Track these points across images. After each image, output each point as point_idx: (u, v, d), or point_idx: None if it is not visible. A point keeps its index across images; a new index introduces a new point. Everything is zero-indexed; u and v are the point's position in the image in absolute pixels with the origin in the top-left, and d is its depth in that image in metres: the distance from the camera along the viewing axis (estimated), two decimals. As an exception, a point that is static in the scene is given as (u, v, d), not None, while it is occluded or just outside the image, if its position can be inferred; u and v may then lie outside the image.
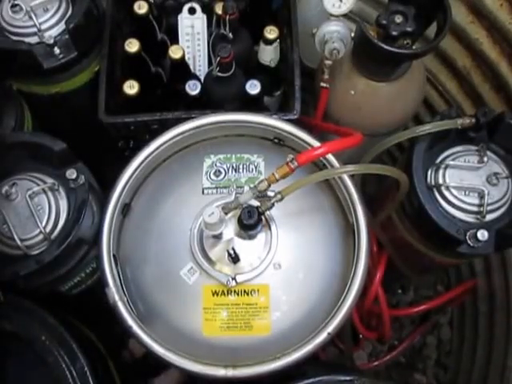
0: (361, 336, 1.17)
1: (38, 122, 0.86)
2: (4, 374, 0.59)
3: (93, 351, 0.61)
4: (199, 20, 0.95)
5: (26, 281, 0.64)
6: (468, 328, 1.16)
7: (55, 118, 0.88)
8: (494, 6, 0.79)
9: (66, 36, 0.74)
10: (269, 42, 0.80)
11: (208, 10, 0.94)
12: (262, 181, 0.62)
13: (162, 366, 1.02)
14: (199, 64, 0.94)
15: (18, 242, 0.64)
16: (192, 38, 0.95)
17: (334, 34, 0.71)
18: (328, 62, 0.76)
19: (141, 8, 0.80)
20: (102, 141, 0.86)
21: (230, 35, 0.82)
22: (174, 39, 0.93)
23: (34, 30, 0.74)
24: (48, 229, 0.66)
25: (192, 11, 0.94)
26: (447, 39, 0.89)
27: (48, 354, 0.57)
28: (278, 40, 0.80)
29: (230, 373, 0.60)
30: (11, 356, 0.60)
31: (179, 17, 0.94)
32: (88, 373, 0.57)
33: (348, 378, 0.63)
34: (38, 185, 0.68)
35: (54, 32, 0.75)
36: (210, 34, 0.93)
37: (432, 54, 0.93)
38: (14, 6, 0.73)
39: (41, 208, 0.67)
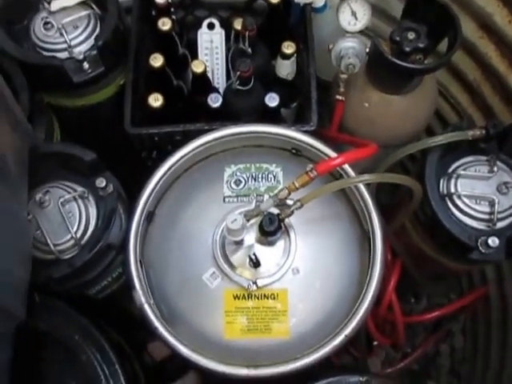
0: (375, 343, 1.19)
1: (65, 133, 0.90)
2: (39, 372, 0.62)
3: (121, 351, 0.64)
4: (218, 35, 0.99)
5: (57, 284, 0.67)
6: (481, 336, 1.17)
7: (81, 129, 0.91)
8: (502, 22, 0.81)
9: (95, 52, 0.78)
10: (286, 57, 0.83)
11: (226, 25, 0.98)
12: (282, 189, 0.65)
13: (179, 372, 1.05)
14: (217, 77, 0.98)
15: (51, 247, 0.67)
16: (211, 52, 0.99)
17: (350, 50, 0.74)
18: (343, 76, 0.79)
19: (165, 25, 0.83)
20: (125, 151, 0.90)
21: (249, 50, 0.85)
22: (194, 53, 0.97)
23: (65, 46, 0.78)
24: (78, 234, 0.70)
25: (211, 26, 0.98)
26: (458, 53, 0.91)
27: (81, 353, 0.60)
28: (295, 55, 0.84)
29: (252, 372, 0.63)
30: (46, 355, 0.63)
31: (199, 32, 0.98)
32: (119, 371, 0.60)
33: (363, 379, 0.65)
34: (69, 193, 0.71)
35: (83, 48, 0.79)
36: (227, 48, 0.97)
37: (444, 68, 0.96)
38: (46, 23, 0.78)
39: (72, 215, 0.70)
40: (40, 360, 0.62)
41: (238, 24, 0.90)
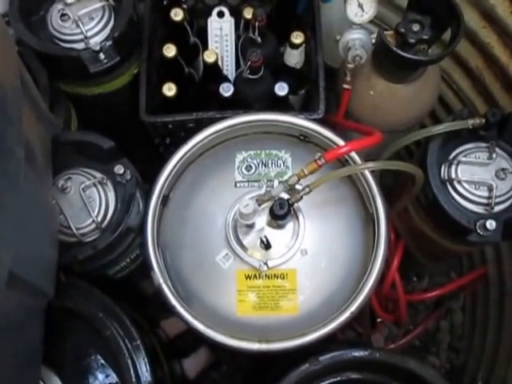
0: (378, 320, 1.23)
1: (81, 121, 0.93)
2: (66, 347, 0.66)
3: (140, 327, 0.68)
4: (227, 23, 1.00)
5: (79, 265, 0.71)
6: (479, 313, 1.21)
7: (96, 116, 0.94)
8: (504, 13, 0.83)
9: (110, 42, 0.80)
10: (295, 47, 0.85)
11: (236, 13, 1.00)
12: (292, 176, 0.68)
13: (190, 348, 1.10)
14: (227, 64, 1.00)
15: (74, 230, 0.70)
16: (220, 40, 1.01)
17: (357, 42, 0.77)
18: (350, 66, 0.81)
19: (177, 15, 0.85)
20: (138, 137, 0.93)
21: (259, 39, 0.87)
22: (204, 41, 0.99)
23: (81, 37, 0.80)
24: (99, 218, 0.73)
25: (221, 14, 1.00)
26: (461, 42, 0.91)
27: (105, 329, 0.63)
28: (304, 44, 0.86)
29: (263, 347, 0.67)
30: (72, 330, 0.67)
31: (209, 20, 0.99)
32: (141, 346, 0.64)
33: (367, 352, 0.69)
34: (89, 179, 0.74)
35: (99, 38, 0.81)
36: (237, 36, 0.99)
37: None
38: (63, 15, 0.80)
39: (92, 200, 0.73)
40: (68, 336, 0.66)
41: (247, 13, 0.93)
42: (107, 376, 0.65)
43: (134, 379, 0.62)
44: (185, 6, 0.95)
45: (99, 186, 0.74)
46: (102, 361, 0.65)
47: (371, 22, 0.84)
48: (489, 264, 1.14)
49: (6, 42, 0.50)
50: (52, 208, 0.65)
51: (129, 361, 0.62)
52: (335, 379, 0.71)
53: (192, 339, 1.06)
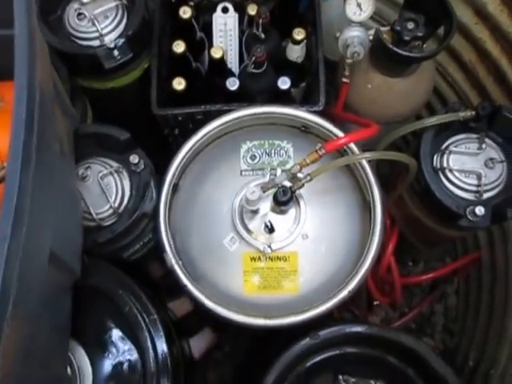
0: (375, 303, 1.29)
1: (94, 113, 0.99)
2: (89, 321, 0.72)
3: (155, 304, 0.74)
4: (231, 18, 1.04)
5: (99, 248, 0.76)
6: (472, 296, 1.24)
7: (109, 109, 0.99)
8: (495, 11, 0.87)
9: (123, 39, 0.85)
10: (297, 43, 0.88)
11: (240, 8, 1.04)
12: (294, 165, 0.72)
13: (195, 328, 1.15)
14: (231, 57, 1.04)
15: (94, 215, 0.76)
16: (225, 35, 1.04)
17: (355, 39, 0.81)
18: (349, 61, 0.86)
19: (185, 13, 0.89)
20: (147, 128, 0.98)
21: (262, 35, 0.92)
22: (209, 35, 1.04)
23: (97, 34, 0.84)
24: (116, 204, 0.78)
25: (225, 10, 1.03)
26: (456, 37, 0.96)
27: (124, 305, 0.69)
28: (305, 40, 0.91)
29: (268, 322, 0.72)
30: (95, 307, 0.73)
31: (213, 16, 1.03)
32: (157, 320, 0.70)
33: (364, 328, 0.75)
34: (106, 168, 0.79)
35: (113, 36, 0.85)
36: (241, 31, 1.04)
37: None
38: (79, 14, 0.84)
39: (109, 187, 0.78)
40: (90, 311, 0.72)
41: (251, 9, 0.96)
42: (127, 348, 0.71)
43: (151, 350, 0.68)
44: (192, 4, 0.99)
45: (115, 175, 0.79)
46: (122, 334, 0.71)
47: (370, 17, 0.89)
48: (482, 249, 1.18)
49: (44, 53, 0.55)
50: (78, 194, 0.70)
51: (146, 334, 0.69)
52: (334, 353, 0.77)
53: (196, 321, 1.11)
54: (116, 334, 0.72)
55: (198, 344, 1.09)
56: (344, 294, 0.74)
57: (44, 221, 0.46)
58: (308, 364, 0.78)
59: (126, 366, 0.71)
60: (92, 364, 0.71)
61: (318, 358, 0.78)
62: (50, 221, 0.47)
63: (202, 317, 1.10)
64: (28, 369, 0.48)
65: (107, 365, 0.71)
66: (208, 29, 1.03)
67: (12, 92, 0.66)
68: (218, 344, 1.16)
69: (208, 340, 1.11)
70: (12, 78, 0.68)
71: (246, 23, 1.01)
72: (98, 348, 0.71)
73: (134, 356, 0.71)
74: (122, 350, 0.71)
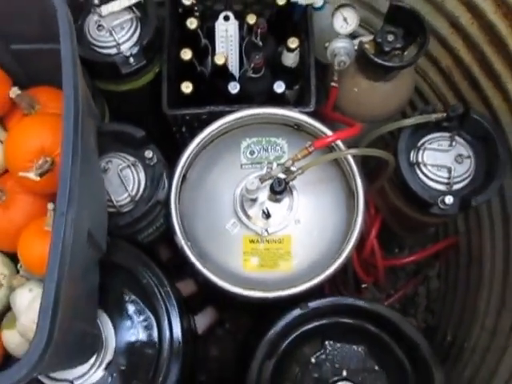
0: (363, 286, 1.39)
1: (111, 113, 1.09)
2: (112, 292, 0.83)
3: (168, 278, 0.86)
4: (232, 25, 1.12)
5: (118, 231, 0.87)
6: (451, 278, 1.35)
7: (124, 109, 1.08)
8: (467, 23, 0.97)
9: (137, 47, 0.94)
10: (291, 50, 0.96)
11: (240, 17, 1.14)
12: (288, 160, 0.82)
13: (199, 307, 1.24)
14: (232, 60, 1.14)
15: (114, 202, 0.86)
16: (226, 40, 1.13)
17: (342, 50, 0.90)
18: (337, 68, 0.97)
19: (192, 24, 0.99)
20: (160, 126, 1.07)
21: (260, 43, 1.02)
22: (212, 41, 1.14)
23: (114, 43, 0.94)
24: (133, 193, 0.87)
25: (226, 18, 1.13)
26: (434, 45, 1.07)
27: (143, 279, 0.80)
28: (299, 48, 1.01)
29: (266, 294, 0.82)
30: (117, 280, 0.83)
31: (216, 23, 1.12)
32: (170, 292, 0.81)
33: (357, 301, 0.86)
34: (125, 162, 0.88)
35: (129, 45, 0.95)
36: (241, 37, 1.12)
37: (422, 57, 1.13)
38: (99, 26, 0.94)
39: (127, 179, 0.87)
40: (113, 283, 0.83)
41: (250, 19, 1.06)
42: (145, 317, 0.82)
43: (165, 318, 0.80)
44: (197, 14, 1.10)
45: (132, 168, 0.89)
46: (141, 303, 0.83)
47: (359, 25, 0.98)
48: (460, 235, 1.28)
49: (79, 63, 0.65)
50: (103, 183, 0.82)
51: (162, 303, 0.80)
52: (321, 322, 0.88)
53: (200, 301, 1.21)
54: (135, 303, 0.83)
55: (202, 320, 1.19)
56: (330, 271, 0.84)
57: (85, 205, 0.57)
58: (299, 332, 0.89)
59: (143, 330, 0.83)
60: (114, 327, 0.82)
61: (308, 327, 0.88)
62: (88, 205, 0.58)
63: (205, 296, 1.21)
64: (74, 317, 0.59)
65: (127, 329, 0.82)
66: (211, 34, 1.13)
67: (46, 96, 0.78)
68: (220, 321, 1.30)
69: (211, 317, 1.22)
70: (45, 83, 0.79)
71: (245, 30, 1.11)
72: (119, 314, 0.83)
73: (151, 322, 0.83)
74: (140, 317, 0.83)
